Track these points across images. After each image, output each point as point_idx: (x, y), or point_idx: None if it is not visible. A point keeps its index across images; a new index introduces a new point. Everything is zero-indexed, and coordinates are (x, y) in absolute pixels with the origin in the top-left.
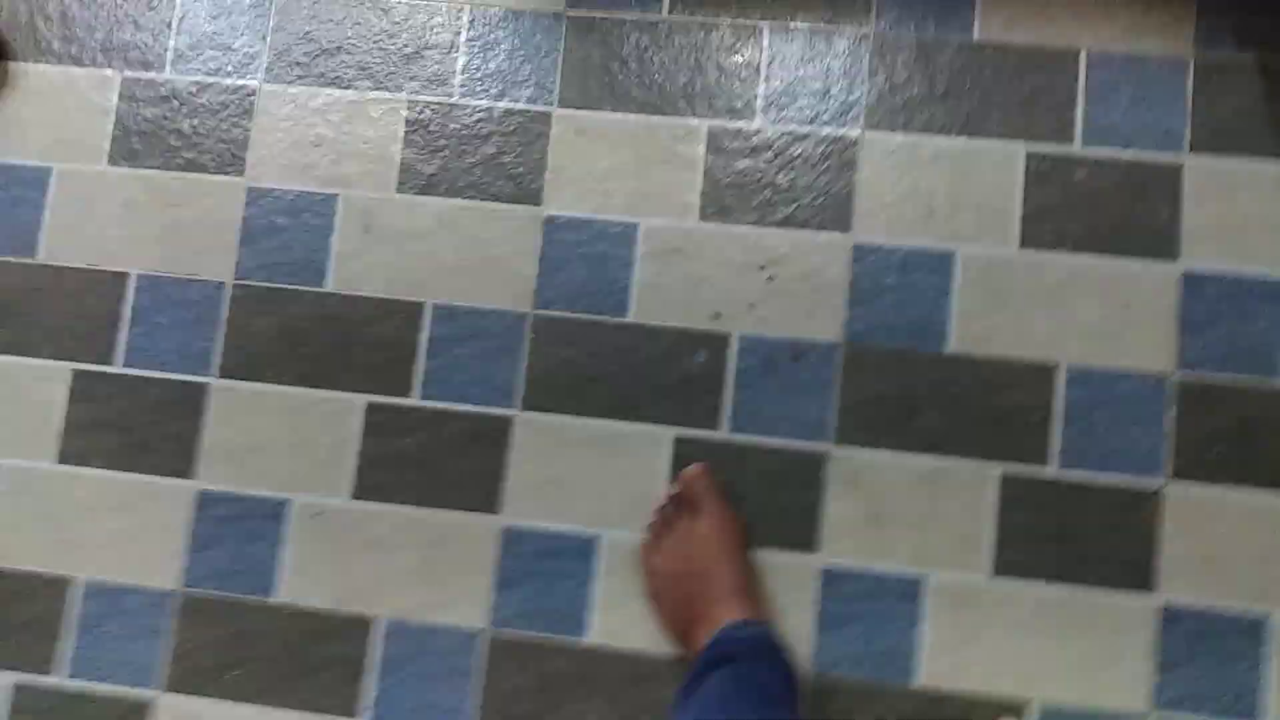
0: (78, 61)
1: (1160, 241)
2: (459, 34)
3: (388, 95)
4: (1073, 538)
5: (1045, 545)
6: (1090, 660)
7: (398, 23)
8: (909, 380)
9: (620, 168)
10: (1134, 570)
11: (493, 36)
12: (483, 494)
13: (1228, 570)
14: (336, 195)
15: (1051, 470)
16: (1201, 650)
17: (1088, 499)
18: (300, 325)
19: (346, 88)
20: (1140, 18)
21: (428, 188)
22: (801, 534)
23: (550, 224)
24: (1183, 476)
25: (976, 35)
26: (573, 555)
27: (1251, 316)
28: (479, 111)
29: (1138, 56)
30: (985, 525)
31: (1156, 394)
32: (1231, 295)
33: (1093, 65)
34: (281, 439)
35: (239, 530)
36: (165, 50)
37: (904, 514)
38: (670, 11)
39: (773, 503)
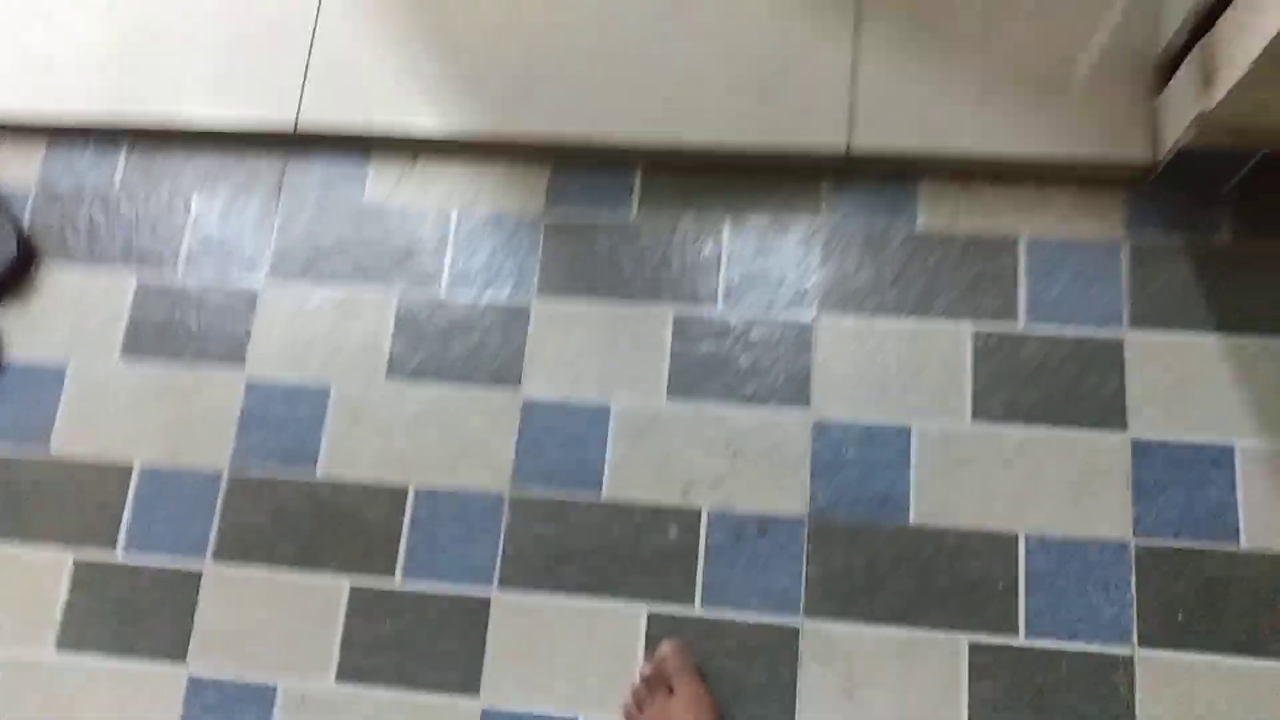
0: (99, 264)
1: (1108, 412)
2: (447, 236)
3: (380, 292)
4: (1047, 705)
5: (1020, 713)
6: None
7: (391, 226)
8: (874, 552)
9: (593, 352)
10: None
11: (477, 237)
12: (463, 674)
13: None
14: (329, 386)
15: (1020, 639)
16: None
17: (1059, 665)
18: (291, 510)
19: (342, 286)
20: (1074, 207)
21: (414, 376)
22: (777, 707)
23: (528, 407)
24: (1151, 642)
25: (920, 226)
26: None
27: (1202, 482)
28: (464, 305)
29: (1074, 241)
30: (958, 694)
31: (1118, 560)
32: (1181, 462)
33: (1032, 250)
34: (270, 622)
35: (227, 716)
36: (178, 253)
37: (877, 684)
38: (638, 212)
39: (747, 676)
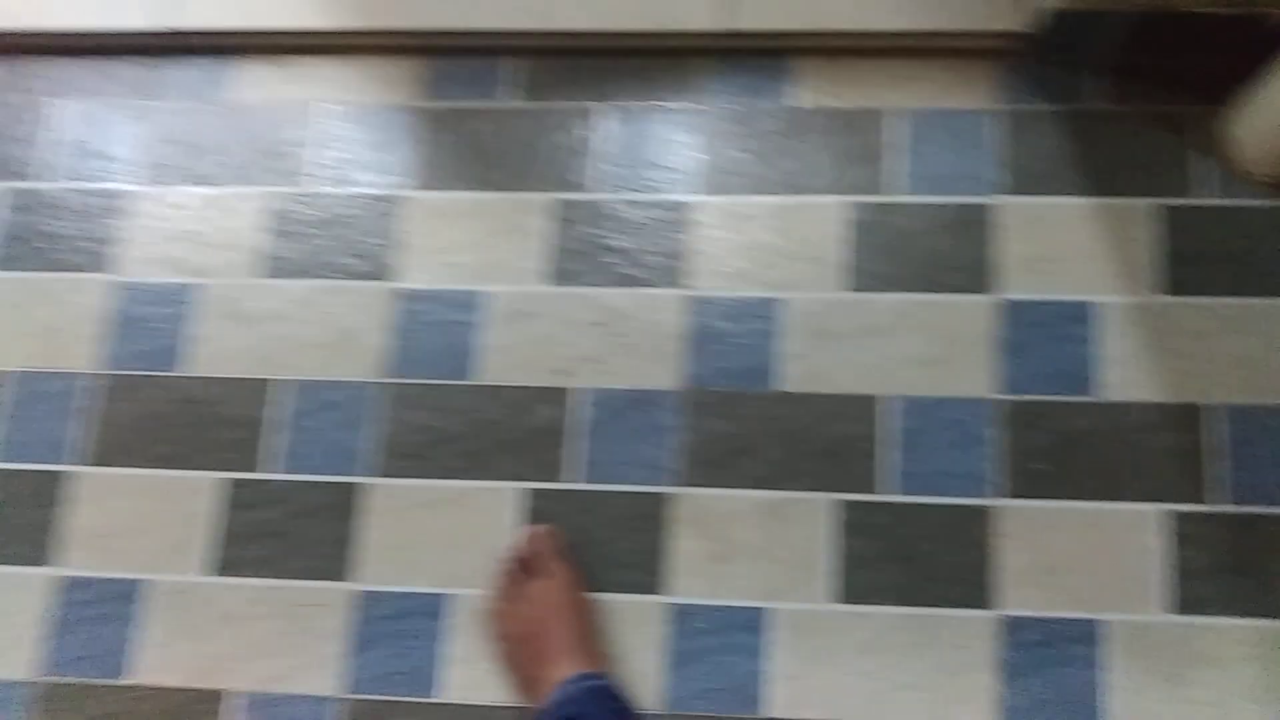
0: None
1: (977, 277)
2: (318, 131)
3: (250, 190)
4: (912, 559)
5: (886, 569)
6: (936, 677)
7: (260, 124)
8: (745, 420)
9: (467, 241)
10: (973, 586)
11: (349, 132)
12: (336, 561)
13: (1062, 580)
14: (200, 284)
15: (888, 495)
16: (1042, 659)
17: (925, 519)
18: (163, 410)
19: (211, 186)
20: (947, 79)
21: (287, 272)
22: (649, 575)
23: (402, 297)
24: (1011, 493)
25: (793, 104)
26: (424, 616)
27: (1064, 339)
28: (335, 199)
29: (947, 112)
30: (826, 553)
31: (981, 417)
32: (1044, 321)
33: (904, 122)
34: (141, 521)
35: (97, 614)
36: (45, 161)
37: (747, 548)
38: (511, 100)
39: (621, 546)
